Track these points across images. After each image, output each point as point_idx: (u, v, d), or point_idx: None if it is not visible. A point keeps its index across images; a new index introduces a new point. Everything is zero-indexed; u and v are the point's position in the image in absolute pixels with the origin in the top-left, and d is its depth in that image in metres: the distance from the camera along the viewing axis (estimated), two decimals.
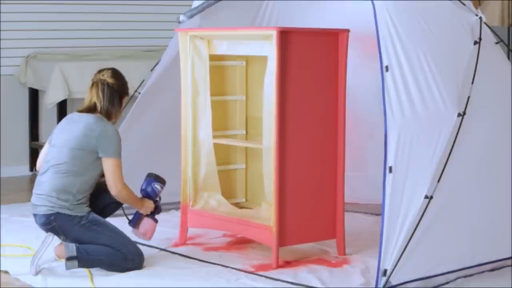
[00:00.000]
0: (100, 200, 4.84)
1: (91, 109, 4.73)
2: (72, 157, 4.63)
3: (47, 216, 4.63)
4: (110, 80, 4.75)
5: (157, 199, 4.97)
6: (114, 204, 4.90)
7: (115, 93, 4.75)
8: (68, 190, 4.62)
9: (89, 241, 4.63)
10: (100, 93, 4.72)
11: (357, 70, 5.87)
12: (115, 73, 4.81)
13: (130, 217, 4.93)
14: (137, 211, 4.90)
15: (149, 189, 4.93)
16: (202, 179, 5.33)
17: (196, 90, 5.29)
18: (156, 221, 4.97)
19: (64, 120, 4.83)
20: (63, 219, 4.61)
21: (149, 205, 4.90)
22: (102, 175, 4.83)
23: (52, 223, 4.63)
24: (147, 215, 4.92)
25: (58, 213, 4.61)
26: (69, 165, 4.63)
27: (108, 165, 4.65)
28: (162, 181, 4.96)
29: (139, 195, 4.91)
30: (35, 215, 4.69)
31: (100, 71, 4.81)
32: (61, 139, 4.70)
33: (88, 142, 4.63)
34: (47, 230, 4.67)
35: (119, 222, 4.95)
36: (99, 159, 4.66)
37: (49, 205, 4.62)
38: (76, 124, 4.69)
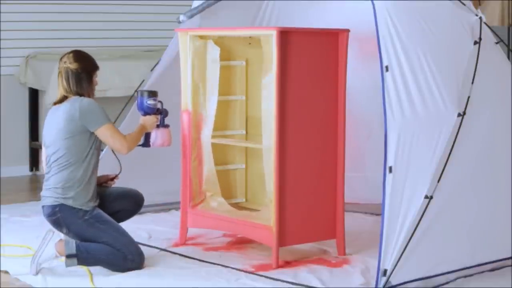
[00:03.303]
0: (113, 204, 4.86)
1: (63, 99, 4.73)
2: (68, 147, 4.64)
3: (53, 207, 4.65)
4: (73, 66, 4.72)
5: (158, 107, 5.00)
6: (125, 211, 4.92)
7: (81, 75, 4.73)
8: (72, 180, 4.64)
9: (91, 238, 4.64)
10: (65, 82, 4.72)
11: (356, 70, 5.87)
12: (77, 56, 4.78)
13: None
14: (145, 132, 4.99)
15: (144, 108, 4.96)
16: (202, 179, 5.32)
17: (196, 90, 5.29)
18: (167, 126, 5.03)
19: (46, 118, 4.83)
20: (67, 211, 4.63)
21: (151, 120, 4.95)
22: (109, 180, 4.90)
23: (57, 214, 4.64)
24: (156, 128, 4.98)
25: (62, 204, 4.63)
26: (68, 155, 4.64)
27: (104, 134, 4.67)
28: (153, 94, 4.99)
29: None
30: (43, 207, 4.73)
31: (62, 58, 4.78)
32: (51, 136, 4.71)
33: (74, 125, 4.63)
34: (52, 222, 4.69)
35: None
36: (92, 136, 4.66)
37: (55, 196, 4.65)
38: (57, 115, 4.69)
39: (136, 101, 5.02)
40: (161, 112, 5.03)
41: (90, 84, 4.77)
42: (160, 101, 5.02)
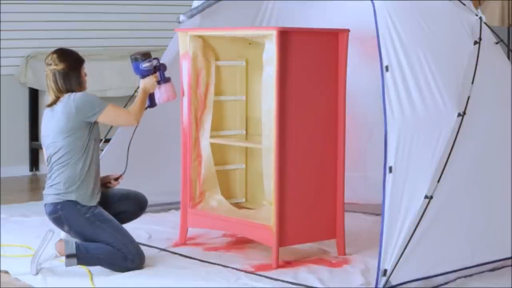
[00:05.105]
0: (115, 205, 4.86)
1: (56, 100, 4.71)
2: (68, 145, 4.64)
3: (55, 204, 4.66)
4: (59, 67, 4.70)
5: (156, 64, 4.94)
6: (128, 213, 4.92)
7: (69, 72, 4.71)
8: (73, 174, 4.65)
9: (91, 236, 4.64)
10: (53, 84, 4.70)
11: (356, 70, 5.87)
12: (61, 55, 4.75)
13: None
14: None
15: (141, 72, 4.92)
16: (202, 179, 5.33)
17: (195, 90, 5.29)
18: (168, 80, 4.98)
19: (43, 120, 4.82)
20: (70, 207, 4.63)
21: (151, 81, 4.94)
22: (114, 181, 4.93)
23: (58, 212, 4.65)
24: (158, 85, 4.96)
25: (64, 202, 4.63)
26: (69, 153, 4.65)
27: (107, 118, 4.68)
28: (147, 56, 4.94)
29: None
30: (45, 205, 4.73)
31: (46, 60, 4.75)
32: (50, 137, 4.71)
33: (73, 122, 4.62)
34: (53, 220, 4.70)
35: None
36: (90, 127, 4.66)
37: (56, 193, 4.66)
38: (54, 116, 4.68)
39: (132, 66, 4.94)
40: (159, 69, 4.98)
41: (79, 79, 4.75)
42: (155, 58, 4.96)
